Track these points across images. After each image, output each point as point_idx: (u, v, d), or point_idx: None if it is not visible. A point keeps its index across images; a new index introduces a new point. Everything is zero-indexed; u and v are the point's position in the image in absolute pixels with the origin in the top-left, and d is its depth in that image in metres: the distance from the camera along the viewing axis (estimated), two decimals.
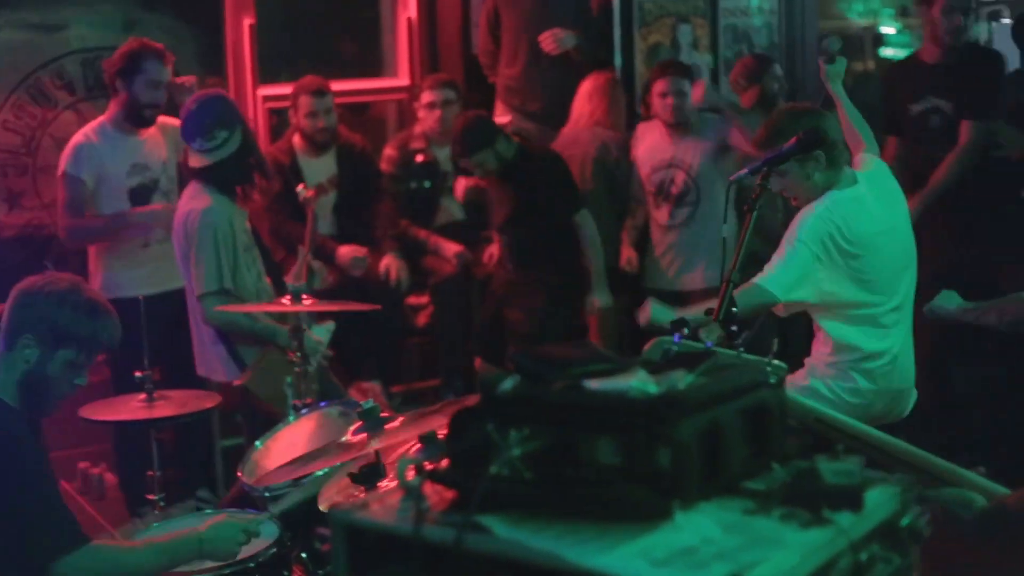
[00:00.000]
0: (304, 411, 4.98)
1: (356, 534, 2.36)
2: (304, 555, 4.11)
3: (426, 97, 7.39)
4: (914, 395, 4.68)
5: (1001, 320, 4.47)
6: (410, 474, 2.37)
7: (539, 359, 2.38)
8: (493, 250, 7.19)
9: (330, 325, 5.85)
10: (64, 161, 6.01)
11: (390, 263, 7.12)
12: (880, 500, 2.32)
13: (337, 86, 7.32)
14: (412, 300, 7.62)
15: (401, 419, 3.76)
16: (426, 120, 7.40)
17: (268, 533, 3.95)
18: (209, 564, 3.68)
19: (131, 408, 4.71)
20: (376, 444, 3.61)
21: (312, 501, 4.02)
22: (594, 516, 2.19)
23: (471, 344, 7.40)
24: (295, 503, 4.14)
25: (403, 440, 3.73)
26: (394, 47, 8.27)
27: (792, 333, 5.73)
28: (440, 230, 7.45)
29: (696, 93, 7.20)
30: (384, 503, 2.39)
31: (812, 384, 4.53)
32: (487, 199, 7.21)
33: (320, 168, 7.14)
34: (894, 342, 4.56)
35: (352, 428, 3.83)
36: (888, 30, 12.66)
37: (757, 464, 2.34)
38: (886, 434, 3.49)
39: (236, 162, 5.59)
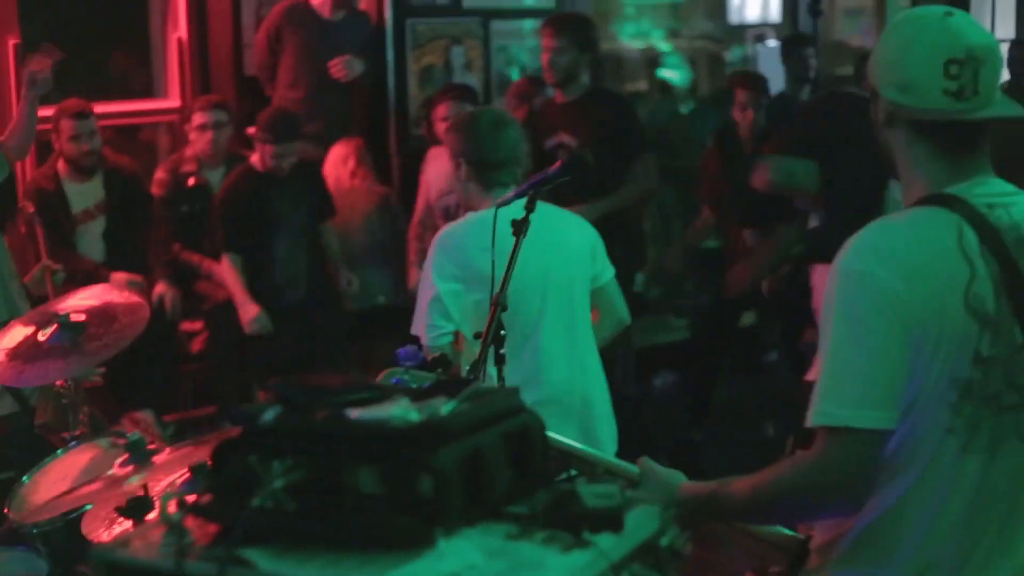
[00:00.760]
0: (73, 443, 4.86)
1: (118, 571, 2.31)
2: None
3: (197, 119, 7.29)
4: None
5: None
6: (173, 508, 2.33)
7: (301, 389, 2.36)
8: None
9: None
10: None
11: (163, 291, 7.04)
12: (640, 521, 2.36)
13: (106, 108, 7.18)
14: (186, 326, 7.50)
15: (169, 451, 3.70)
16: (197, 142, 7.30)
17: (37, 569, 3.84)
18: None
19: None
20: (143, 476, 3.54)
21: (79, 536, 3.92)
22: (358, 546, 2.18)
23: (248, 370, 7.32)
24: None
25: (174, 471, 3.67)
26: (164, 68, 8.14)
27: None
28: (214, 254, 7.35)
29: None
30: (146, 539, 2.35)
31: None
32: None
33: (87, 193, 6.98)
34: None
35: (119, 460, 3.75)
36: (662, 51, 12.92)
37: (520, 488, 2.36)
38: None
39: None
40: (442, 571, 2.11)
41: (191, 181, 7.31)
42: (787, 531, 2.90)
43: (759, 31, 12.96)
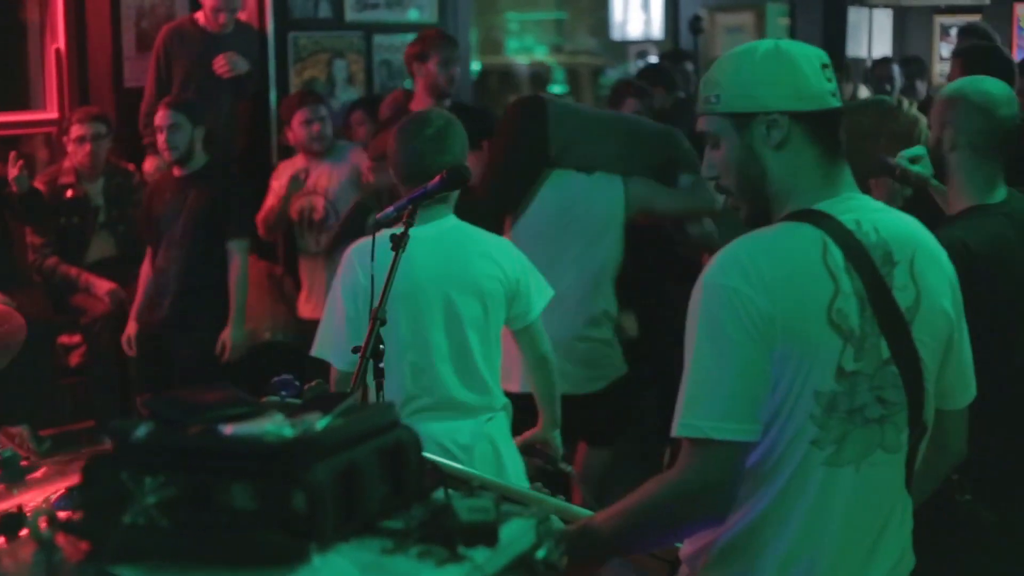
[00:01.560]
0: None
1: None
2: None
3: (75, 131, 7.21)
4: None
5: None
6: (43, 525, 2.30)
7: (174, 404, 2.35)
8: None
9: None
10: None
11: None
12: (515, 534, 2.37)
13: None
14: (64, 339, 7.41)
15: (44, 468, 3.64)
16: (76, 154, 7.22)
17: None
18: None
19: None
20: (16, 493, 3.48)
21: None
22: (231, 562, 2.17)
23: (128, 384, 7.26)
24: None
25: (49, 487, 3.62)
26: (42, 79, 8.03)
27: None
28: (92, 267, 7.27)
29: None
30: (16, 557, 2.31)
31: None
32: None
33: None
34: None
35: None
36: (548, 67, 13.02)
37: (395, 503, 2.36)
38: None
39: None
40: None
41: (69, 193, 7.23)
42: None
43: (641, 47, 13.09)
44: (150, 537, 2.20)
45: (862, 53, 12.25)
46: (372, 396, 3.67)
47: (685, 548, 2.80)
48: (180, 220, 6.87)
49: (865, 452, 2.65)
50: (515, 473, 4.45)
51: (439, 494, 2.42)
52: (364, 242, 4.25)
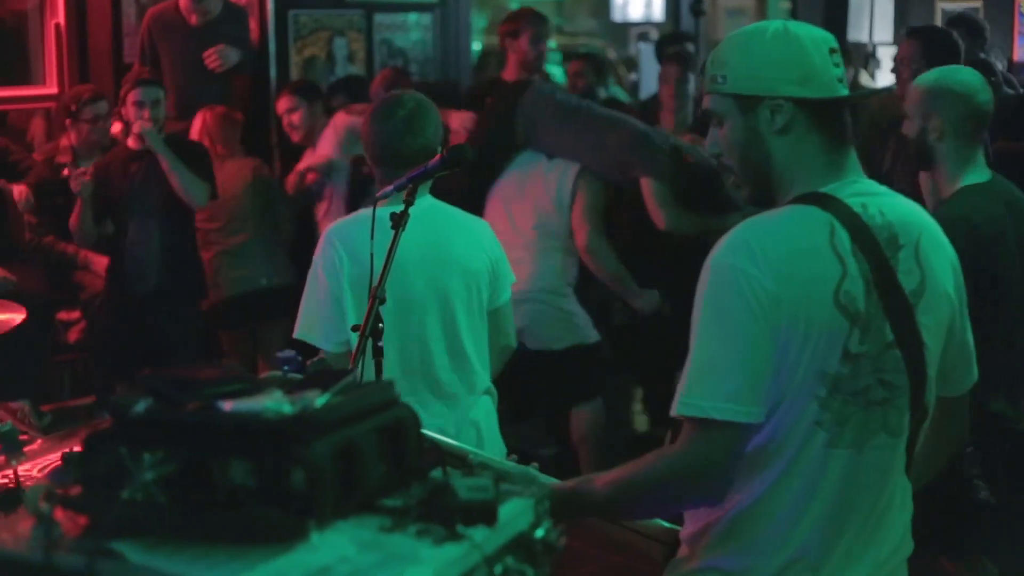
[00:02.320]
0: None
1: None
2: None
3: (87, 113, 7.15)
4: None
5: None
6: (42, 500, 2.30)
7: (172, 380, 2.34)
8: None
9: None
10: None
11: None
12: (514, 513, 2.37)
13: None
14: (63, 316, 7.41)
15: (42, 441, 3.64)
16: (88, 135, 7.16)
17: None
18: None
19: None
20: (14, 467, 3.48)
21: None
22: (229, 539, 2.17)
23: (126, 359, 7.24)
24: None
25: (47, 462, 3.61)
26: (42, 54, 8.02)
27: None
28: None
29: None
30: (14, 531, 2.31)
31: None
32: None
33: None
34: None
35: None
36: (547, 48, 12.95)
37: (394, 481, 2.36)
38: None
39: None
40: (314, 564, 2.11)
41: (66, 172, 7.19)
42: (662, 522, 2.94)
43: (642, 29, 13.07)
44: (148, 513, 2.21)
45: (863, 37, 12.22)
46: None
47: (686, 528, 2.81)
48: (153, 191, 6.82)
49: (867, 435, 2.66)
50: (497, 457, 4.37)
51: (438, 472, 2.43)
52: (343, 222, 4.30)
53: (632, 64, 12.80)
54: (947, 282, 2.76)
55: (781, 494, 2.66)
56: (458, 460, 2.79)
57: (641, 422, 7.98)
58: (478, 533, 2.26)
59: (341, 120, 7.35)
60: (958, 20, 9.23)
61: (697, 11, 10.69)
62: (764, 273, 2.55)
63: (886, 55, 11.95)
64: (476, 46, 11.25)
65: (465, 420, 4.34)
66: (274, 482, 2.16)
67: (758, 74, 2.70)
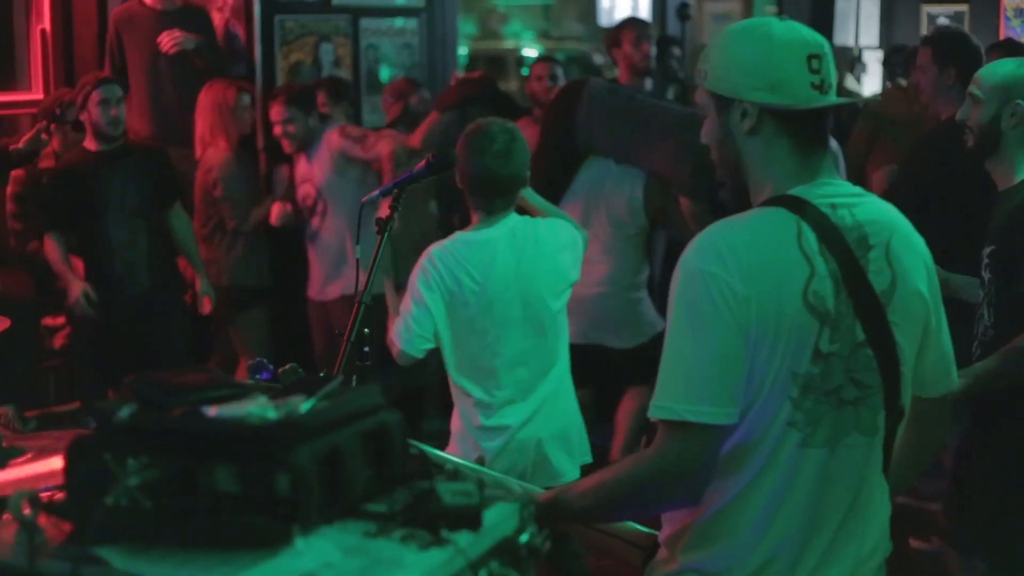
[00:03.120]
0: None
1: None
2: None
3: (71, 116, 7.14)
4: None
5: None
6: (25, 506, 2.30)
7: (157, 385, 2.34)
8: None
9: None
10: None
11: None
12: (499, 518, 2.38)
13: None
14: (48, 321, 7.38)
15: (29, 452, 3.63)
16: (64, 137, 7.15)
17: None
18: None
19: None
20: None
21: None
22: (214, 545, 2.17)
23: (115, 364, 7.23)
24: None
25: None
26: (27, 59, 7.99)
27: None
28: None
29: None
30: None
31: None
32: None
33: None
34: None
35: None
36: (531, 52, 13.00)
37: (379, 486, 2.36)
38: None
39: None
40: (299, 569, 2.11)
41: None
42: (639, 527, 2.95)
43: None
44: (133, 519, 2.21)
45: (849, 41, 12.24)
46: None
47: (664, 531, 2.82)
48: (132, 189, 6.84)
49: (840, 434, 2.67)
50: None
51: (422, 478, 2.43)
52: (444, 245, 4.54)
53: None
54: (920, 282, 2.77)
55: (756, 494, 2.67)
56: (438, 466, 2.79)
57: None
58: (462, 538, 2.26)
59: (335, 142, 7.31)
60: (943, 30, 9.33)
61: (683, 15, 10.70)
62: (733, 275, 2.57)
63: (872, 59, 11.97)
64: (462, 51, 11.26)
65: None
66: (259, 487, 2.16)
67: (729, 76, 2.72)
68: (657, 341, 6.66)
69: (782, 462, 2.65)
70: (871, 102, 7.66)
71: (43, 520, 2.26)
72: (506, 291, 4.48)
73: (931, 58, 5.85)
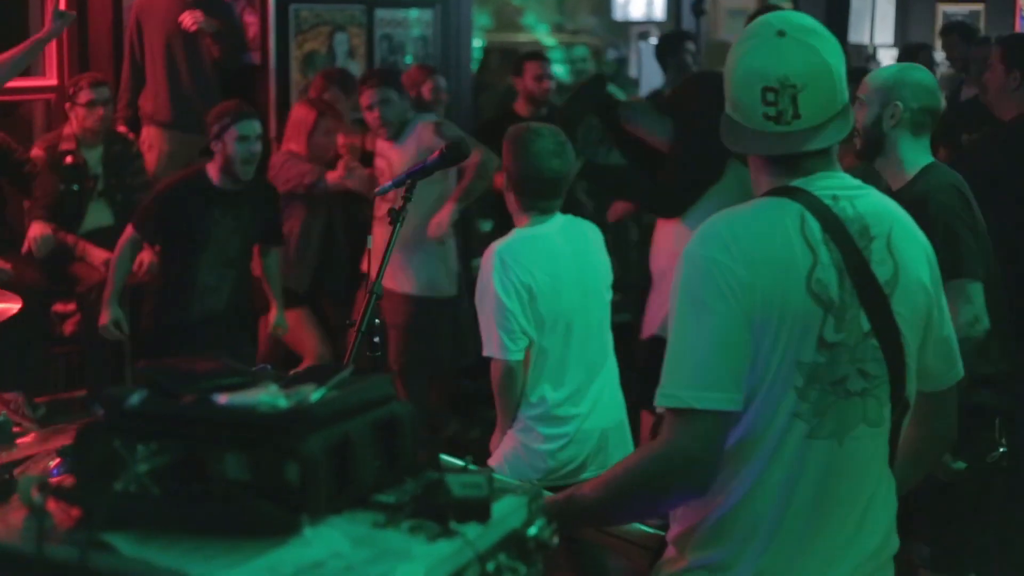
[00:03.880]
0: None
1: None
2: None
3: (84, 96, 7.13)
4: None
5: None
6: (35, 491, 2.30)
7: (168, 372, 2.34)
8: (143, 257, 6.98)
9: None
10: None
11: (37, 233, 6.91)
12: (507, 511, 2.37)
13: None
14: (59, 307, 7.39)
15: (34, 433, 3.65)
16: (86, 119, 7.13)
17: None
18: None
19: None
20: (6, 458, 3.49)
21: None
22: (223, 532, 2.17)
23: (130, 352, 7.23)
24: None
25: (44, 453, 3.62)
26: None
27: None
28: (88, 235, 7.23)
29: None
30: (6, 522, 2.31)
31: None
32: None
33: None
34: None
35: None
36: (547, 45, 12.98)
37: (388, 477, 2.36)
38: None
39: None
40: (307, 558, 2.10)
41: (69, 159, 7.18)
42: (646, 528, 2.94)
43: (643, 28, 13.06)
44: (142, 505, 2.20)
45: (864, 39, 12.22)
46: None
47: (672, 530, 2.82)
48: (237, 239, 6.58)
49: (847, 426, 2.67)
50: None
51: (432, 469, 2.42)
52: (508, 243, 4.61)
53: (633, 63, 12.80)
54: (922, 273, 2.78)
55: (765, 488, 2.67)
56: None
57: None
58: (471, 530, 2.26)
59: (427, 137, 6.84)
60: (953, 27, 9.36)
61: (698, 11, 10.68)
62: (737, 261, 2.59)
63: (887, 57, 11.95)
64: (477, 43, 11.24)
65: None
66: (268, 476, 2.16)
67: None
68: None
69: (789, 454, 2.65)
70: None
71: (52, 505, 2.26)
72: (570, 284, 4.60)
73: (1000, 59, 5.86)
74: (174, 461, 2.21)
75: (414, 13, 8.85)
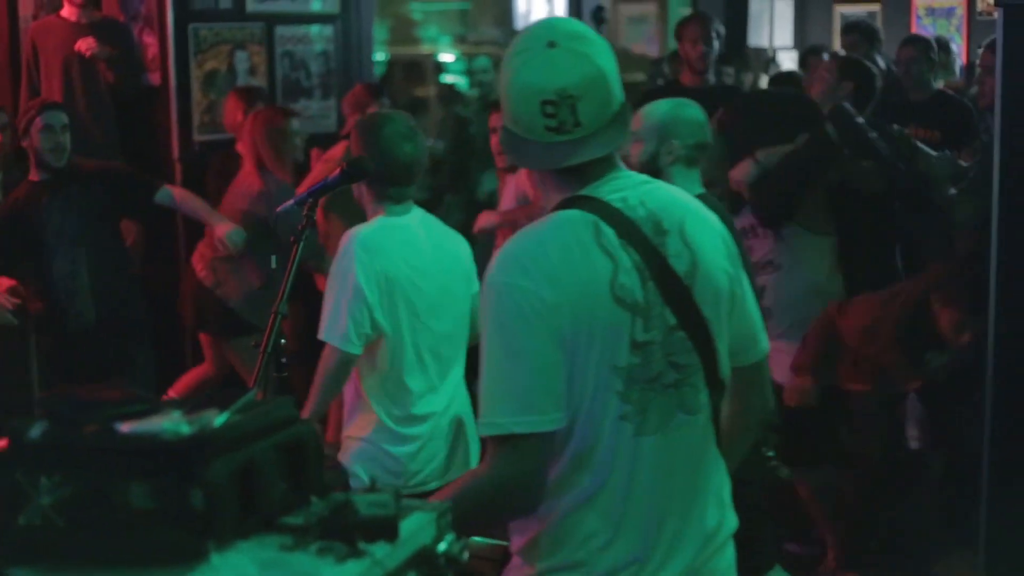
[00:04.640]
0: None
1: None
2: None
3: None
4: None
5: None
6: None
7: (69, 402, 2.32)
8: None
9: None
10: None
11: None
12: (416, 528, 2.37)
13: None
14: None
15: None
16: None
17: None
18: None
19: None
20: None
21: None
22: (129, 562, 2.15)
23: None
24: None
25: None
26: None
27: None
28: None
29: None
30: None
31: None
32: None
33: None
34: None
35: None
36: (447, 58, 12.99)
37: (295, 499, 2.35)
38: None
39: None
40: None
41: None
42: (488, 540, 2.98)
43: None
44: (46, 537, 2.18)
45: (763, 43, 12.35)
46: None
47: (515, 542, 2.87)
48: (73, 221, 6.68)
49: (668, 417, 2.76)
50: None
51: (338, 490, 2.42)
52: (370, 228, 4.52)
53: None
54: (720, 257, 2.85)
55: (604, 492, 2.74)
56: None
57: None
58: (379, 549, 2.26)
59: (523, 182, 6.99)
60: (854, 27, 9.51)
61: (599, 19, 10.75)
62: (539, 284, 2.64)
63: (786, 60, 12.08)
64: (379, 56, 11.23)
65: None
66: (173, 503, 2.14)
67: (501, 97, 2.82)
68: None
69: (622, 456, 2.73)
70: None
71: None
72: (429, 276, 4.54)
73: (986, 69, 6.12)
74: (78, 492, 2.19)
75: (315, 29, 8.84)
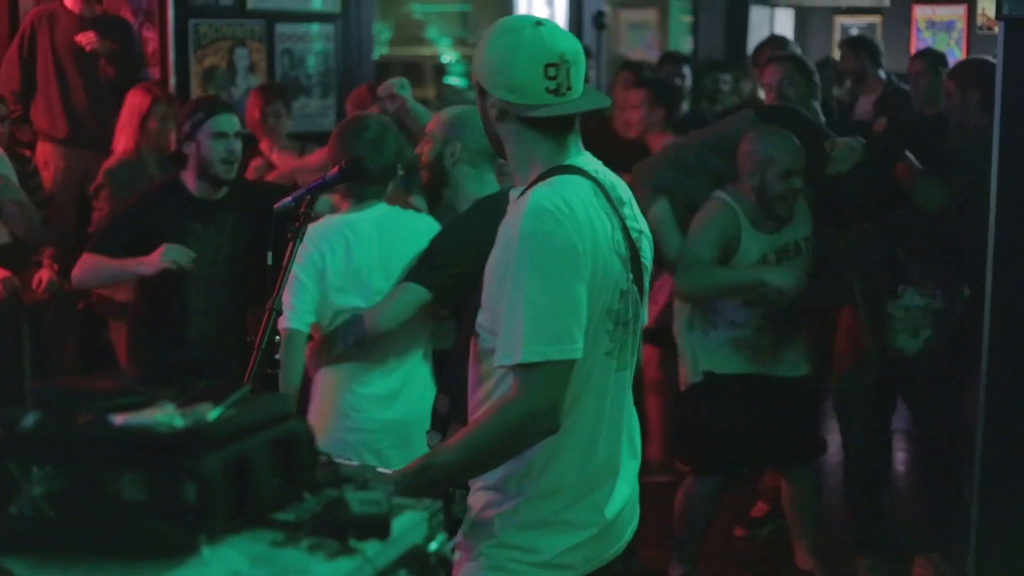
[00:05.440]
0: None
1: None
2: None
3: None
4: None
5: None
6: None
7: (63, 393, 2.32)
8: (43, 275, 6.90)
9: None
10: None
11: None
12: (408, 527, 2.38)
13: None
14: None
15: None
16: None
17: None
18: None
19: None
20: None
21: None
22: (120, 554, 2.15)
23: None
24: None
25: None
26: None
27: None
28: None
29: None
30: None
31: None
32: None
33: None
34: None
35: None
36: (448, 59, 13.00)
37: (287, 495, 2.35)
38: None
39: None
40: None
41: None
42: None
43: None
44: (37, 528, 2.19)
45: None
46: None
47: (494, 475, 3.10)
48: (223, 255, 5.43)
49: (629, 355, 3.17)
50: None
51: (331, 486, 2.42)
52: (319, 223, 4.62)
53: None
54: (645, 226, 3.26)
55: (582, 421, 3.08)
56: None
57: None
58: (370, 547, 2.26)
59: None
60: (856, 42, 9.54)
61: (599, 24, 10.76)
62: (569, 232, 2.95)
63: None
64: (379, 57, 11.23)
65: None
66: (165, 496, 2.15)
67: (481, 71, 3.09)
68: None
69: (607, 388, 3.11)
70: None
71: None
72: (373, 275, 4.64)
73: (955, 86, 6.24)
74: (70, 483, 2.19)
75: (315, 27, 8.84)
